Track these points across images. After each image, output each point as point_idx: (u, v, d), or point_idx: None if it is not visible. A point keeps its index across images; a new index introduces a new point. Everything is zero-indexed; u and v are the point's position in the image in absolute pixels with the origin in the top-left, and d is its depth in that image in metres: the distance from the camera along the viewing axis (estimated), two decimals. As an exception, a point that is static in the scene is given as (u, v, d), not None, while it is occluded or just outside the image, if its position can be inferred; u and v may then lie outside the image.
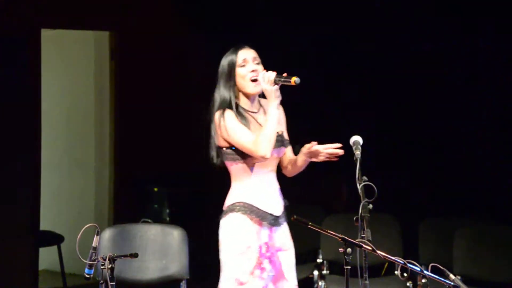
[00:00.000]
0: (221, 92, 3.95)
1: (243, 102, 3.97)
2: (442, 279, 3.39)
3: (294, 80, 3.78)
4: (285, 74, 3.81)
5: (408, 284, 5.45)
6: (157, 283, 4.66)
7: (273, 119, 3.81)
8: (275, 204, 3.97)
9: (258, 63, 3.94)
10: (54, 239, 6.72)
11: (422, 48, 6.42)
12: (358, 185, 3.55)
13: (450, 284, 3.37)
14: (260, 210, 3.92)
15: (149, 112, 7.08)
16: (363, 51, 6.62)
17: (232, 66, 3.95)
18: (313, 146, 3.86)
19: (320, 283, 5.74)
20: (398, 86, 6.56)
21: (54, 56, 7.45)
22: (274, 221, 3.94)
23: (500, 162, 6.18)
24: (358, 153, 3.72)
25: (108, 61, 7.13)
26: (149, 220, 6.82)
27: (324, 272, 5.83)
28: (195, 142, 7.24)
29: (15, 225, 6.23)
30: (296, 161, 4.02)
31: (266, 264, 3.93)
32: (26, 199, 6.31)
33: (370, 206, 3.51)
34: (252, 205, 3.92)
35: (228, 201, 4.04)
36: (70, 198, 7.73)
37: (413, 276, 5.17)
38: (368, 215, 3.49)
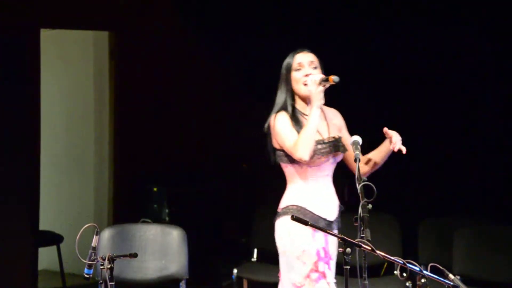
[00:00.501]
0: (279, 95, 4.02)
1: (300, 105, 4.01)
2: (442, 279, 3.39)
3: (332, 78, 3.82)
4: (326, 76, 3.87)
5: (407, 284, 5.45)
6: (156, 283, 4.66)
7: (312, 121, 3.84)
8: (329, 208, 3.98)
9: (315, 67, 3.98)
10: (54, 239, 6.72)
11: (423, 48, 6.43)
12: (357, 185, 3.56)
13: (450, 284, 3.37)
14: (314, 214, 3.94)
15: (149, 112, 7.09)
16: (363, 50, 6.62)
17: (288, 70, 4.00)
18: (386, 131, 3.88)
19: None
20: (398, 86, 6.56)
21: (53, 56, 7.45)
22: (327, 226, 3.93)
23: (500, 162, 6.18)
24: (357, 153, 3.75)
25: (107, 61, 7.13)
26: (149, 220, 6.83)
27: (324, 272, 5.82)
28: (195, 142, 7.27)
29: (14, 225, 6.22)
30: (370, 159, 4.02)
31: (326, 269, 3.93)
32: (26, 199, 6.31)
33: (370, 206, 3.52)
34: (305, 209, 3.94)
35: (282, 204, 4.03)
36: (70, 198, 7.73)
37: (412, 276, 5.16)
38: (368, 215, 3.50)
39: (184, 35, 7.17)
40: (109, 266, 3.51)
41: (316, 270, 3.92)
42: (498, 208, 6.04)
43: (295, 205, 3.96)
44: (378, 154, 4.02)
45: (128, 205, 7.03)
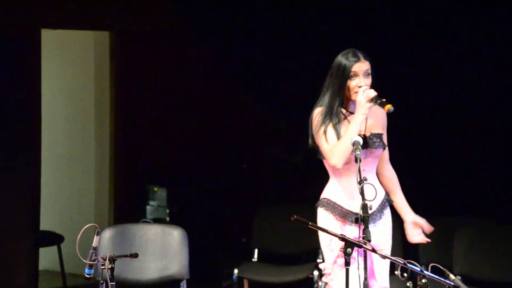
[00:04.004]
0: (328, 91, 4.04)
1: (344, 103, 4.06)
2: (442, 279, 3.39)
3: (388, 108, 3.89)
4: (384, 100, 3.90)
5: (408, 284, 5.45)
6: (157, 283, 4.66)
7: (352, 131, 3.88)
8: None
9: (368, 75, 4.01)
10: (54, 239, 6.72)
11: (420, 49, 6.42)
12: (358, 185, 3.57)
13: (450, 284, 3.38)
14: (343, 208, 4.02)
15: (149, 112, 7.09)
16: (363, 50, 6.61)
17: (343, 75, 4.00)
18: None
19: (320, 283, 5.73)
20: (397, 85, 6.55)
21: (54, 56, 7.44)
22: (357, 220, 3.95)
23: (500, 162, 6.18)
24: (358, 153, 3.77)
25: (108, 61, 7.13)
26: (149, 220, 6.83)
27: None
28: (195, 142, 7.27)
29: (15, 225, 6.23)
30: (392, 192, 4.23)
31: (357, 257, 3.92)
32: (26, 199, 6.31)
33: (370, 206, 3.53)
34: (335, 203, 4.05)
35: (321, 195, 4.16)
36: (70, 198, 7.73)
37: (413, 276, 5.17)
38: (368, 215, 3.51)
39: (184, 35, 7.17)
40: (109, 266, 3.51)
41: (343, 256, 3.87)
42: (498, 208, 6.03)
43: (326, 198, 4.09)
44: (397, 202, 4.24)
45: (129, 205, 7.03)
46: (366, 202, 3.55)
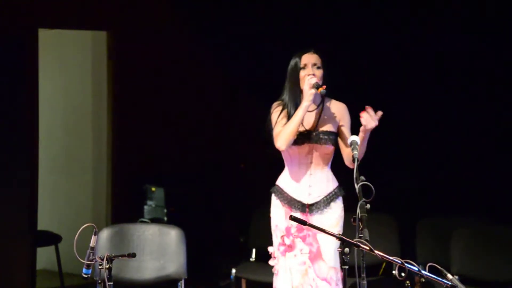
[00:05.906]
0: (287, 88, 4.40)
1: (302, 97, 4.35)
2: (440, 278, 3.40)
3: (320, 90, 4.19)
4: (324, 87, 4.21)
5: (406, 284, 5.45)
6: (154, 283, 4.66)
7: (296, 117, 4.22)
8: (307, 193, 4.33)
9: (318, 67, 4.33)
10: (52, 239, 6.72)
11: (421, 48, 6.43)
12: (355, 184, 3.58)
13: (448, 283, 3.38)
14: (288, 195, 4.35)
15: (147, 111, 7.08)
16: (363, 51, 6.63)
17: (295, 68, 4.36)
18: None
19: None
20: (396, 84, 6.56)
21: (51, 56, 7.44)
22: (302, 208, 4.32)
23: (499, 162, 6.19)
24: (356, 152, 3.84)
25: (105, 60, 7.13)
26: (147, 220, 6.83)
27: (322, 271, 5.82)
28: (193, 142, 7.27)
29: (13, 225, 6.22)
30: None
31: (298, 243, 4.31)
32: (24, 199, 6.30)
33: (368, 206, 3.53)
34: (282, 189, 4.41)
35: (276, 183, 4.51)
36: (68, 198, 7.73)
37: (410, 276, 5.17)
38: (366, 214, 3.51)
39: (183, 35, 7.17)
40: (107, 266, 3.52)
41: (283, 244, 4.34)
42: (496, 208, 6.04)
43: (277, 185, 4.46)
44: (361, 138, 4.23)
45: (126, 205, 7.02)
46: (364, 201, 3.55)
